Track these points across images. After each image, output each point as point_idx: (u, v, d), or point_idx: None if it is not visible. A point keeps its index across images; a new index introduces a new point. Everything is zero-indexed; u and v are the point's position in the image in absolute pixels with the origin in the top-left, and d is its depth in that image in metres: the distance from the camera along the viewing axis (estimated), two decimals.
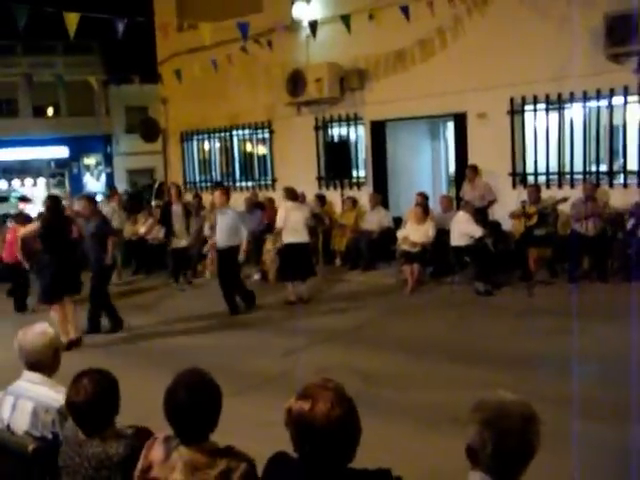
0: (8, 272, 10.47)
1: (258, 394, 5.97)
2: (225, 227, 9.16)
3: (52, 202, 8.40)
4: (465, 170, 11.10)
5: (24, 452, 2.93)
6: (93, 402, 2.74)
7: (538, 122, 10.76)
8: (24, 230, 8.69)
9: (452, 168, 12.92)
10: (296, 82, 12.63)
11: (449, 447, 4.68)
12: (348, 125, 13.00)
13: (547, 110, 10.61)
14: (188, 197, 14.46)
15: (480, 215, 10.23)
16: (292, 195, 9.69)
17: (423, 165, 13.60)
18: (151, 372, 6.66)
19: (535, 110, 10.69)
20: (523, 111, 10.82)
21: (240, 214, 9.82)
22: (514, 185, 10.97)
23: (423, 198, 11.21)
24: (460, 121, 11.51)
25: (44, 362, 3.24)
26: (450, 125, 12.71)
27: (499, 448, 1.93)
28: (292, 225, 9.40)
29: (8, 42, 29.77)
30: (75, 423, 2.81)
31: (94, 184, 34.15)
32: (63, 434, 2.96)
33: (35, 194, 30.65)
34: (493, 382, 5.67)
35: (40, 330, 3.32)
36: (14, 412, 3.18)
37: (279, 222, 9.51)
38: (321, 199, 12.78)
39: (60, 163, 33.91)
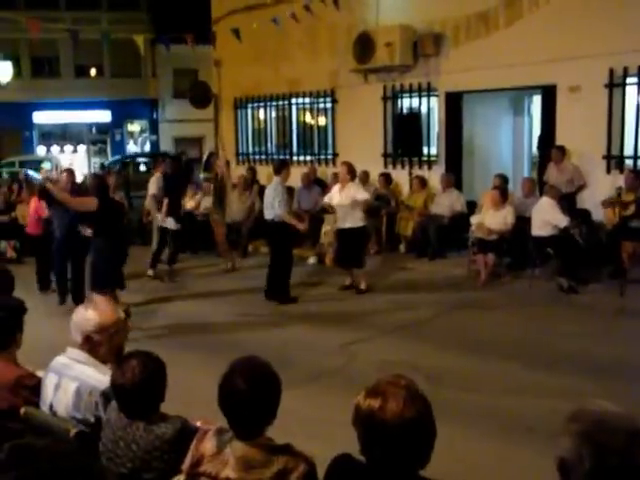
0: (33, 245, 10.85)
1: (310, 389, 6.04)
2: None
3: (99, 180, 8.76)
4: (551, 151, 10.85)
5: (66, 435, 3.03)
6: (140, 385, 2.82)
7: None
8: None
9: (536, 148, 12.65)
10: (364, 46, 12.53)
11: (522, 459, 4.69)
12: (420, 96, 12.85)
13: None
14: (241, 170, 14.62)
15: (567, 202, 10.00)
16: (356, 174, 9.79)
17: (503, 144, 13.36)
18: (195, 362, 6.79)
19: (639, 83, 10.34)
20: (624, 84, 10.45)
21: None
22: (608, 169, 10.66)
23: (502, 181, 11.03)
24: (548, 95, 11.23)
25: (93, 341, 3.35)
26: (536, 99, 12.42)
27: (599, 466, 1.87)
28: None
29: None
30: (119, 406, 2.90)
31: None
32: (105, 418, 3.05)
33: (74, 162, 31.53)
34: (575, 391, 5.60)
35: (85, 311, 3.44)
36: (57, 392, 3.29)
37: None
38: (387, 178, 12.71)
39: (102, 129, 34.62)
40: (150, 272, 11.07)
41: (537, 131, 12.32)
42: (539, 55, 10.83)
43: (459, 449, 4.62)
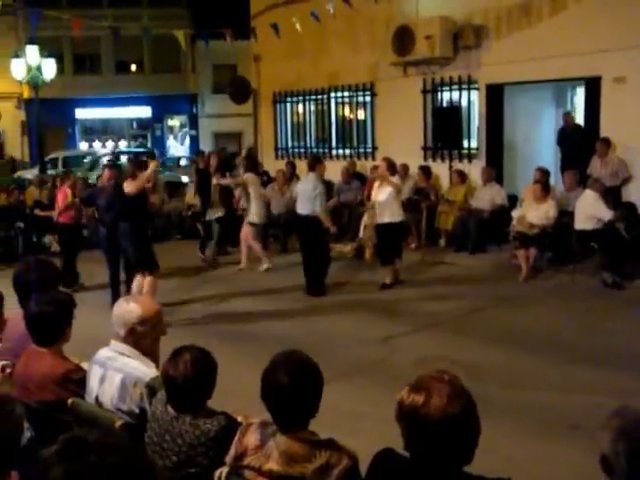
0: (63, 235, 10.87)
1: (349, 383, 6.02)
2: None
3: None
4: (596, 143, 10.67)
5: (112, 427, 3.09)
6: (191, 379, 2.87)
7: None
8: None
9: None
10: (403, 39, 12.44)
11: (565, 456, 4.64)
12: (460, 89, 12.73)
13: None
14: (280, 165, 14.67)
15: (611, 195, 9.86)
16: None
17: (545, 136, 13.15)
18: (233, 354, 6.80)
19: None
20: None
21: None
22: None
23: (543, 174, 10.89)
24: (593, 86, 11.03)
25: (137, 333, 3.41)
26: (580, 91, 12.21)
27: (634, 463, 1.85)
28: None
29: None
30: (168, 397, 2.95)
31: (178, 148, 35.15)
32: (151, 410, 3.11)
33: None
34: (619, 388, 5.52)
35: (126, 304, 3.50)
36: (103, 384, 3.35)
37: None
38: (426, 172, 12.64)
39: (142, 124, 35.09)
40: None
41: (580, 124, 12.11)
42: (583, 46, 10.64)
43: (500, 446, 4.58)
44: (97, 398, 3.36)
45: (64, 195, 10.66)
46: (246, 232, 11.04)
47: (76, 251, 10.58)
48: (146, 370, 3.29)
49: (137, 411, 3.24)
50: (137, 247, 8.38)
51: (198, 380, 2.89)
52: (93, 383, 3.40)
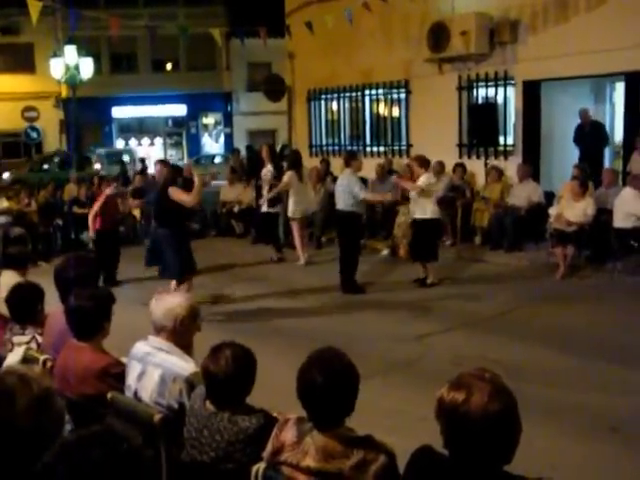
0: (99, 239, 10.55)
1: (385, 381, 6.02)
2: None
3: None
4: (635, 139, 10.51)
5: (150, 421, 3.11)
6: (232, 375, 2.88)
7: None
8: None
9: (619, 137, 12.26)
10: (438, 35, 12.37)
11: (604, 459, 4.56)
12: (496, 85, 12.61)
13: None
14: (315, 162, 14.68)
15: None
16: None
17: None
18: (268, 350, 6.80)
19: None
20: None
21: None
22: None
23: (581, 171, 10.74)
24: (633, 82, 10.86)
25: (170, 329, 3.44)
26: (619, 86, 12.01)
27: None
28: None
29: None
30: (208, 393, 2.96)
31: (212, 146, 35.37)
32: (189, 405, 3.13)
33: (152, 155, 32.33)
34: None
35: (173, 297, 3.54)
36: (142, 379, 3.39)
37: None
38: (462, 169, 12.55)
39: (177, 122, 35.39)
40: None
41: (620, 120, 11.92)
42: (622, 41, 10.45)
43: (538, 446, 4.52)
44: (136, 393, 3.39)
45: (99, 202, 10.48)
46: (293, 228, 11.27)
47: (112, 257, 10.29)
48: (184, 365, 3.31)
49: (176, 406, 3.27)
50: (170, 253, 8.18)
51: (238, 376, 2.91)
52: (132, 378, 3.44)
